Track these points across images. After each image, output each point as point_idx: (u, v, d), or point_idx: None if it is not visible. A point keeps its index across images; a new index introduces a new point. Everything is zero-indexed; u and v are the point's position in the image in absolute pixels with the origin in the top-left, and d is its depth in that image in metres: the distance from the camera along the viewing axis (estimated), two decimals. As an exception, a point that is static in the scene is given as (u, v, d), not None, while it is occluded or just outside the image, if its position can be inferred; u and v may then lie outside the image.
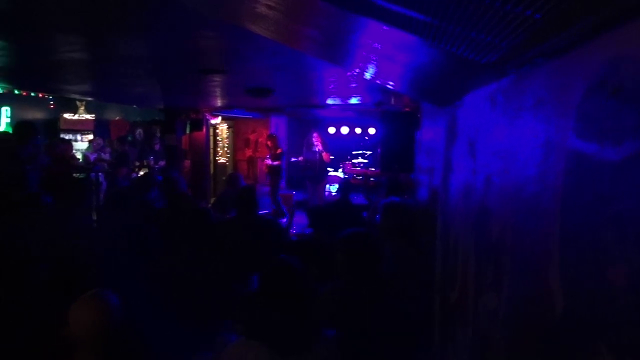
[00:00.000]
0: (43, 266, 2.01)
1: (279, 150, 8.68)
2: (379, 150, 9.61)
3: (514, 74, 1.39)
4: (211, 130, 11.69)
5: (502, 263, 1.37)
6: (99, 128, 11.65)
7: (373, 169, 10.67)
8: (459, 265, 1.99)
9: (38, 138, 4.76)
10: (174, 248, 2.73)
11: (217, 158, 12.37)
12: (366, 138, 12.38)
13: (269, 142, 8.99)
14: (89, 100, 10.94)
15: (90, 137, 11.44)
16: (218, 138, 12.47)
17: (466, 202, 1.92)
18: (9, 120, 9.94)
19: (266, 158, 8.96)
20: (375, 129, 12.18)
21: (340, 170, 11.60)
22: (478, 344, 1.60)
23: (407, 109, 5.92)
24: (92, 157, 9.57)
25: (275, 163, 8.68)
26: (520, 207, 1.26)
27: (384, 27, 1.42)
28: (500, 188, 1.45)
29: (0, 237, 2.52)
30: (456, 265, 2.05)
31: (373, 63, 2.22)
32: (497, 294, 1.40)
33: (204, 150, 9.26)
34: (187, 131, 9.25)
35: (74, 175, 8.89)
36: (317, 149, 8.52)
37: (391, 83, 2.68)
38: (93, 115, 11.57)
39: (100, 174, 9.19)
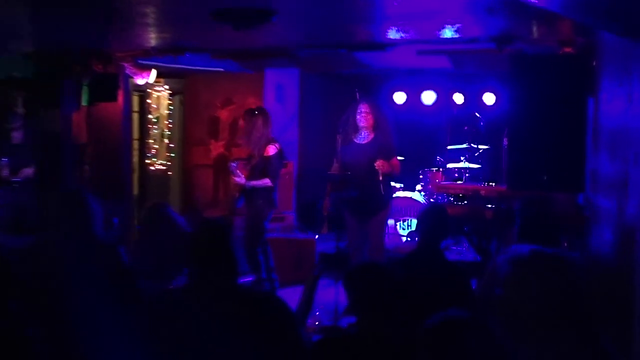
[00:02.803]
0: None
1: (270, 149, 8.50)
2: (504, 141, 9.55)
3: None
4: (135, 99, 11.87)
5: None
6: None
7: (492, 184, 10.65)
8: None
9: None
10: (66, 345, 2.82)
11: (149, 161, 12.65)
12: (477, 115, 12.34)
13: (244, 125, 8.82)
14: None
15: None
16: (151, 116, 12.75)
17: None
18: None
19: (233, 167, 8.86)
20: (496, 95, 12.14)
21: (419, 187, 11.62)
22: None
23: (566, 50, 5.93)
24: None
25: (257, 183, 8.52)
26: None
27: None
28: None
29: None
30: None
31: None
32: None
33: (119, 142, 9.50)
34: (85, 102, 9.46)
35: None
36: (366, 140, 8.52)
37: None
38: None
39: None
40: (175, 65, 10.28)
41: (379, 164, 8.12)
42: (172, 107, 13.09)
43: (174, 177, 13.31)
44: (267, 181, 8.53)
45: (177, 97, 13.22)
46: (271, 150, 8.56)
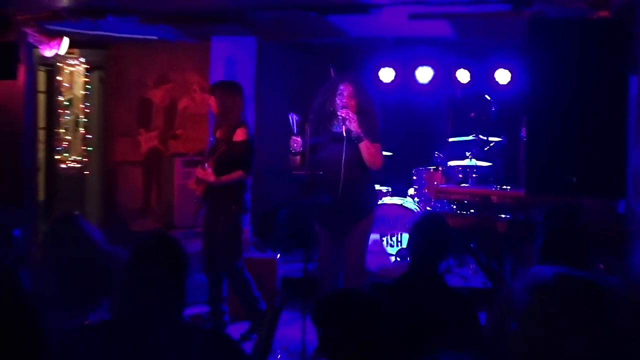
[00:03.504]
0: None
1: (239, 133, 8.43)
2: (522, 132, 9.59)
3: None
4: (41, 76, 11.80)
5: None
6: None
7: (506, 188, 10.70)
8: None
9: None
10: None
11: (59, 156, 12.62)
12: (487, 98, 12.40)
13: (215, 103, 8.73)
14: None
15: None
16: (62, 98, 12.74)
17: None
18: None
19: (211, 143, 8.76)
20: (512, 72, 12.20)
21: (412, 192, 11.67)
22: None
23: (601, 14, 5.96)
24: None
25: (230, 178, 8.45)
26: None
27: None
28: None
29: None
30: None
31: None
32: None
33: (20, 132, 9.49)
34: (-26, 79, 9.38)
35: None
36: (346, 127, 8.39)
37: None
38: None
39: None
40: (94, 32, 10.23)
41: (344, 111, 8.05)
42: (90, 87, 13.05)
43: (92, 177, 13.28)
44: (240, 173, 8.47)
45: (96, 73, 13.18)
46: (241, 134, 8.50)
